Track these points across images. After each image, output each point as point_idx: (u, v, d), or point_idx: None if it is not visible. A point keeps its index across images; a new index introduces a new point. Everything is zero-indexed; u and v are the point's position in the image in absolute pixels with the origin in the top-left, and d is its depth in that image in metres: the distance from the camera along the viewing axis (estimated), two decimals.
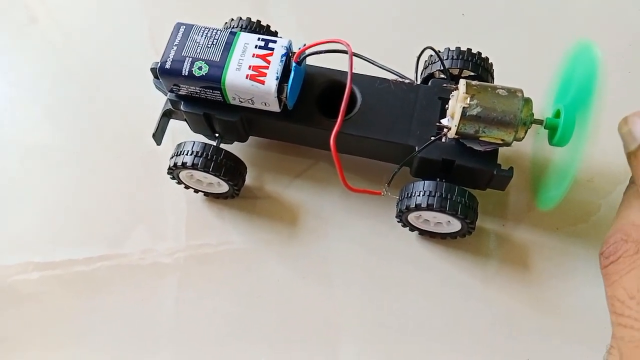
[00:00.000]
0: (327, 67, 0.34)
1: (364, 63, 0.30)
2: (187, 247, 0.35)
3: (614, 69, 0.40)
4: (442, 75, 0.34)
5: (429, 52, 0.34)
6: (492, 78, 0.35)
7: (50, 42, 0.43)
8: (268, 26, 0.36)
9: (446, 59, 0.34)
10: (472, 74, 0.34)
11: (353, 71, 0.29)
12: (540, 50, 0.40)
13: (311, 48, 0.30)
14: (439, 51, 0.35)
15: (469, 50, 0.34)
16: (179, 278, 0.35)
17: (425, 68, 0.35)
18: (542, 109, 0.32)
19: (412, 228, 0.34)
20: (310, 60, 0.32)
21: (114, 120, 0.40)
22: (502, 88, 0.29)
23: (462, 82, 0.29)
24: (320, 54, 0.30)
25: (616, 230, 0.24)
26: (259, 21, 0.36)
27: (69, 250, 0.36)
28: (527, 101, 0.29)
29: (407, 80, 0.29)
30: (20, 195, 0.38)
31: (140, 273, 0.35)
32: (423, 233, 0.35)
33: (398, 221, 0.34)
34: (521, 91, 0.29)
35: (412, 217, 0.33)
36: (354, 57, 0.29)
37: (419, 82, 0.34)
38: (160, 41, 0.32)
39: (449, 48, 0.34)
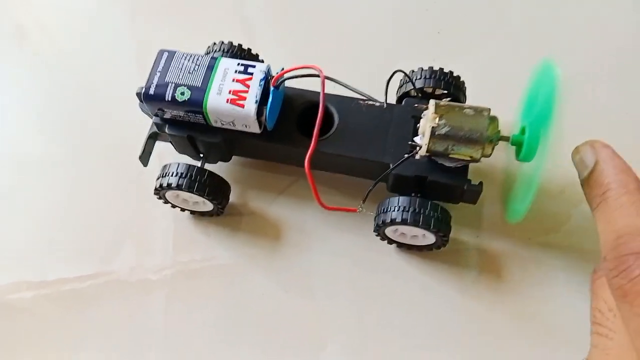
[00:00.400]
0: (307, 89, 0.35)
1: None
2: (174, 263, 0.37)
3: (587, 81, 0.42)
4: (417, 94, 0.36)
5: (405, 70, 0.36)
6: (465, 95, 0.37)
7: (42, 61, 0.45)
8: (249, 49, 0.38)
9: (419, 79, 0.35)
10: (445, 92, 0.35)
11: (333, 93, 0.31)
12: (516, 66, 0.41)
13: (288, 73, 0.32)
14: (413, 71, 0.36)
15: (441, 69, 0.36)
16: (167, 293, 0.36)
17: (400, 87, 0.37)
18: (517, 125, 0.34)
19: (391, 241, 0.36)
20: (292, 83, 0.34)
21: (102, 141, 0.41)
22: (470, 107, 0.31)
23: (432, 103, 0.31)
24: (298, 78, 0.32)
25: None
26: (240, 45, 0.38)
27: (61, 269, 0.37)
28: (493, 119, 0.30)
29: (377, 103, 0.30)
30: (13, 212, 0.40)
31: (129, 289, 0.36)
32: (401, 246, 0.36)
33: (376, 235, 0.35)
34: (488, 110, 0.31)
35: (389, 231, 0.34)
36: (330, 80, 0.31)
37: (393, 103, 0.36)
38: (147, 60, 0.33)
39: (422, 68, 0.36)
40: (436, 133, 0.30)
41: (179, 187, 0.33)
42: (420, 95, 0.36)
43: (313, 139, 0.30)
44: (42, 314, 0.36)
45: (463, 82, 0.36)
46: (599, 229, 0.23)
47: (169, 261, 0.37)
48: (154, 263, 0.37)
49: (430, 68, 0.36)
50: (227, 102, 0.32)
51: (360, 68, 0.42)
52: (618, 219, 0.22)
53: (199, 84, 0.32)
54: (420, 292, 0.35)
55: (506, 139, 0.31)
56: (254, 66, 0.33)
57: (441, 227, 0.32)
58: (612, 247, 0.22)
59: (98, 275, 0.37)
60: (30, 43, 0.46)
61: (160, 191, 0.35)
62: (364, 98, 0.30)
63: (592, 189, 0.24)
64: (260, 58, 0.39)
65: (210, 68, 0.33)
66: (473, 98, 0.37)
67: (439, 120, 0.30)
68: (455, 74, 0.36)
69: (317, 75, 0.30)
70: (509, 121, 0.33)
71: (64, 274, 0.37)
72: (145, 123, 0.36)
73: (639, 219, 0.22)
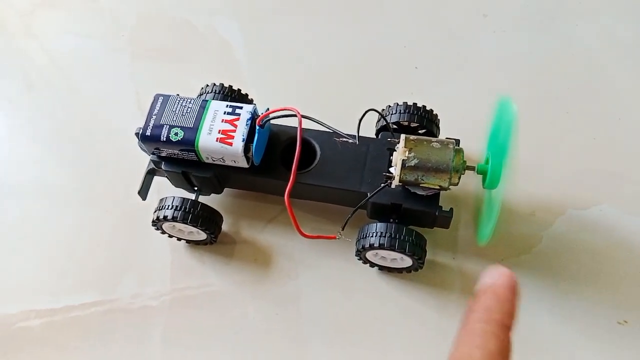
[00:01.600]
0: (294, 125, 0.38)
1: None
2: (172, 290, 0.39)
3: (554, 110, 0.45)
4: (395, 126, 0.39)
5: (385, 104, 0.39)
6: (438, 127, 0.40)
7: (50, 103, 0.48)
8: (239, 89, 0.41)
9: (395, 113, 0.39)
10: (418, 124, 0.38)
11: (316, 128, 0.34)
12: (488, 98, 0.45)
13: (272, 113, 0.35)
14: (389, 106, 0.39)
15: (415, 104, 0.39)
16: (165, 318, 0.39)
17: (378, 121, 0.40)
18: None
19: (372, 264, 0.38)
20: (279, 120, 0.36)
21: (106, 177, 0.44)
22: (437, 141, 0.34)
23: (402, 137, 0.34)
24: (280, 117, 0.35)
25: None
26: (230, 86, 0.41)
27: (66, 297, 0.40)
28: (458, 151, 0.33)
29: (350, 140, 0.33)
30: (22, 243, 0.42)
31: (130, 315, 0.39)
32: (382, 268, 0.39)
33: (358, 259, 0.38)
34: (453, 143, 0.33)
35: (370, 255, 0.37)
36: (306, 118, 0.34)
37: (373, 136, 0.39)
38: (146, 98, 0.37)
39: (397, 103, 0.39)
40: (406, 165, 0.33)
41: (174, 219, 0.36)
42: (397, 127, 0.39)
43: (292, 175, 0.33)
44: (49, 341, 0.39)
45: (436, 115, 0.39)
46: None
47: (167, 288, 0.40)
48: (153, 290, 0.40)
49: (405, 103, 0.39)
50: (217, 140, 0.35)
51: (345, 103, 0.45)
52: (461, 344, 0.21)
53: (191, 125, 0.35)
54: (399, 312, 0.38)
55: (472, 168, 0.34)
56: (241, 107, 0.36)
57: (416, 250, 0.34)
58: None
59: (102, 303, 0.39)
60: (38, 88, 0.49)
61: (157, 223, 0.38)
62: (339, 135, 0.33)
63: (468, 307, 0.22)
64: (249, 97, 0.42)
65: (202, 110, 0.36)
66: (449, 128, 0.40)
67: (408, 153, 0.33)
68: (428, 108, 0.39)
69: (295, 115, 0.33)
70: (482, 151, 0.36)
71: (69, 302, 0.40)
72: (143, 158, 0.39)
73: (476, 350, 0.20)
